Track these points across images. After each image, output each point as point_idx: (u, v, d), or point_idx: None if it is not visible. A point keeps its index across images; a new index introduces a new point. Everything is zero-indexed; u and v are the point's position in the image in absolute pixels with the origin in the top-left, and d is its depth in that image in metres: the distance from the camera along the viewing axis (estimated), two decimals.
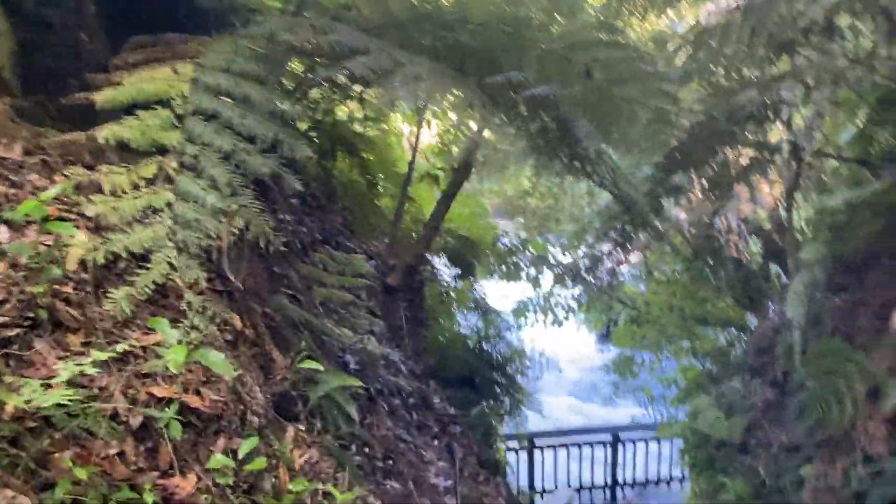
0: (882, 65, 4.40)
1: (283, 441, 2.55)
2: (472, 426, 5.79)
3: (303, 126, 6.04)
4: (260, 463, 2.08)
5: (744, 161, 6.38)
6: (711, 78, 4.88)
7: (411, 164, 6.68)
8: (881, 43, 4.34)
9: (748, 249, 8.42)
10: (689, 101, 5.37)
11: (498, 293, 8.90)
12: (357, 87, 5.75)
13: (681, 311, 7.59)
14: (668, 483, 10.07)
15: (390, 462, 4.25)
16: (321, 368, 3.20)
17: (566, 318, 11.20)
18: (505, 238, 9.83)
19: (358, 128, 7.56)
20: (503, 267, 10.13)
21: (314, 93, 5.73)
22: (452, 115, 8.33)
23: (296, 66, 4.47)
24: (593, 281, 8.98)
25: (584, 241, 7.30)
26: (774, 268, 8.20)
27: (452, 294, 7.72)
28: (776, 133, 6.46)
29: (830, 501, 4.36)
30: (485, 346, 7.32)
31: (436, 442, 5.20)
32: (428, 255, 7.92)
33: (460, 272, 8.18)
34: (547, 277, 10.78)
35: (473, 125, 6.40)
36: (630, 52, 4.13)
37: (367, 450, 4.13)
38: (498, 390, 7.19)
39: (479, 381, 6.81)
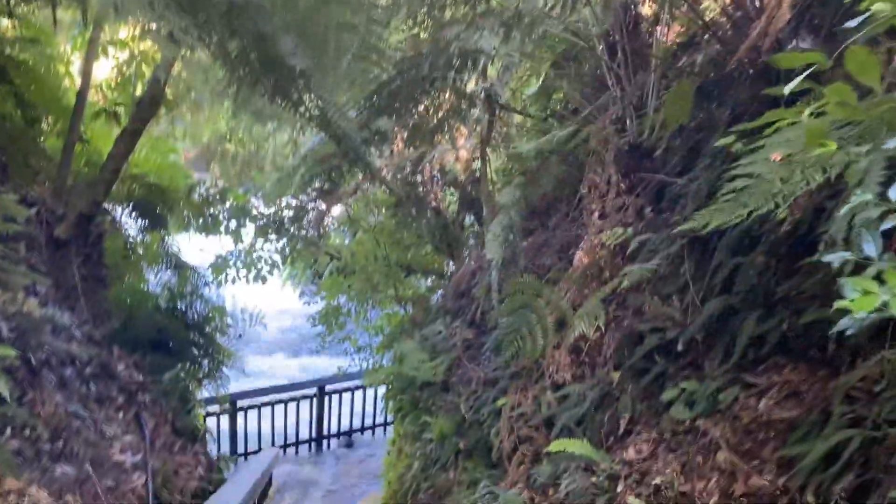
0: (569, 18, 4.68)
1: None
2: (165, 393, 5.18)
3: None
4: None
5: (443, 110, 6.51)
6: (417, 17, 4.81)
7: (81, 94, 5.67)
8: None
9: (445, 200, 8.78)
10: (395, 42, 5.27)
11: (194, 247, 8.14)
12: None
13: (385, 260, 7.65)
14: (372, 430, 10.31)
15: (60, 443, 3.56)
16: None
17: (270, 274, 10.77)
18: (202, 188, 9.05)
19: (12, 51, 6.25)
20: (200, 219, 9.35)
21: None
22: (133, 44, 7.33)
23: None
24: (298, 233, 8.70)
25: (288, 191, 6.93)
26: (469, 218, 8.68)
27: (140, 248, 6.86)
28: (472, 84, 6.69)
29: (523, 427, 4.67)
30: (179, 304, 6.63)
31: (121, 414, 4.54)
32: (108, 204, 6.93)
33: (149, 224, 7.31)
34: (249, 230, 10.22)
35: (159, 53, 5.63)
36: None
37: (27, 432, 3.40)
38: (195, 352, 6.59)
39: (172, 343, 6.16)
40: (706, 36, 4.72)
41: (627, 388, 4.15)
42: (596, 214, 4.66)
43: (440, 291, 8.57)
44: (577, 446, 4.07)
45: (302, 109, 3.65)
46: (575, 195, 6.44)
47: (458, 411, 5.56)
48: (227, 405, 8.85)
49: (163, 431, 4.79)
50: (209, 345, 6.70)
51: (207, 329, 6.74)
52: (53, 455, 3.51)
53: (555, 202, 6.62)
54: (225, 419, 8.94)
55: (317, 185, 5.92)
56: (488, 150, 7.17)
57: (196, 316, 6.78)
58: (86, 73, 5.73)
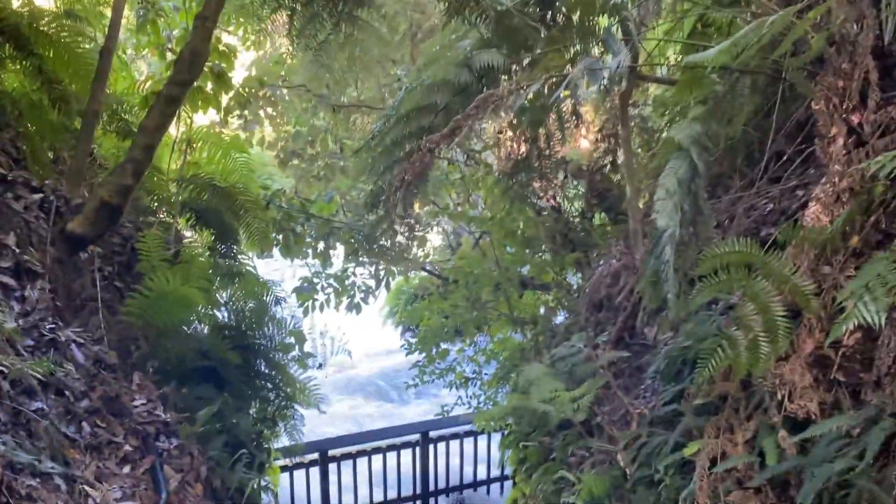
0: None
1: None
2: (203, 437, 3.76)
3: None
4: None
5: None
6: None
7: (105, 55, 4.49)
8: None
9: (564, 198, 7.16)
10: None
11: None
12: None
13: (495, 267, 6.02)
14: (487, 486, 8.57)
15: None
16: None
17: (365, 302, 9.40)
18: (282, 198, 7.86)
19: (42, 24, 5.21)
20: (280, 237, 8.14)
21: None
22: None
23: None
24: (391, 243, 7.28)
25: (372, 177, 5.47)
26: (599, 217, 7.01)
27: (193, 253, 5.51)
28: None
29: (735, 490, 2.89)
30: (242, 325, 5.26)
31: (127, 468, 3.12)
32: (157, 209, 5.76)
33: (212, 234, 6.06)
34: (338, 251, 8.95)
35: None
36: None
37: None
38: (261, 385, 5.18)
39: (227, 373, 4.76)
40: None
41: None
42: (840, 142, 2.90)
43: (563, 311, 6.87)
44: None
45: None
46: (750, 160, 4.71)
47: (613, 464, 3.85)
48: (315, 455, 7.44)
49: (190, 492, 3.34)
50: (280, 377, 5.27)
51: (277, 357, 5.32)
52: None
53: (723, 174, 4.93)
54: (313, 473, 7.50)
55: (407, 149, 4.45)
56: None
57: (266, 341, 5.37)
58: (113, 25, 4.55)
